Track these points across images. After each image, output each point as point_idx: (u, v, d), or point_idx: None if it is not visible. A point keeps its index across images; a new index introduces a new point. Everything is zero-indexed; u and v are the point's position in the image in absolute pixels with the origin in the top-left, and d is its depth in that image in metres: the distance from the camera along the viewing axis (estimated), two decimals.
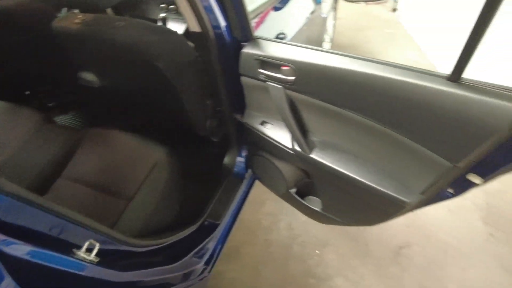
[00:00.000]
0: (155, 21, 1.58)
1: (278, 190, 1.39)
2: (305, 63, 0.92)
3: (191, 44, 1.23)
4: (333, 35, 3.20)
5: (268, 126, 1.19)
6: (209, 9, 1.01)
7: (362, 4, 4.75)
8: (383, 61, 0.82)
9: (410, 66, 0.78)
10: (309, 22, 2.09)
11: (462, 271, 1.62)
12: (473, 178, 0.80)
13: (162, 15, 1.56)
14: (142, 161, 1.22)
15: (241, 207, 1.47)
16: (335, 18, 3.04)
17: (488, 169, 0.76)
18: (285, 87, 0.99)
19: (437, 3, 3.37)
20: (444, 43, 3.19)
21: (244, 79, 1.13)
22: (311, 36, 2.27)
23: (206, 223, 1.29)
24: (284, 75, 0.97)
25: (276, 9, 1.78)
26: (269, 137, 1.18)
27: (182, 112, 1.24)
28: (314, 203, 1.27)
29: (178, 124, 1.48)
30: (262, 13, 1.48)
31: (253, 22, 1.43)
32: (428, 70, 0.76)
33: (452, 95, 0.69)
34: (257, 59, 1.03)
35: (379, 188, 0.93)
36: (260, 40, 1.08)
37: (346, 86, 0.86)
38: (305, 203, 1.27)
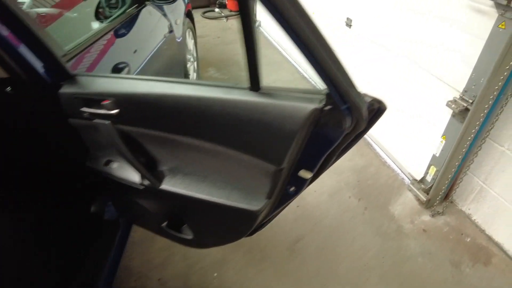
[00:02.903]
0: None
1: (151, 227, 1.30)
2: (125, 93, 0.87)
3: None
4: (196, 54, 3.23)
5: (114, 165, 1.09)
6: (15, 51, 0.88)
7: (223, 20, 4.96)
8: (196, 82, 0.82)
9: (219, 83, 0.80)
10: (163, 47, 2.05)
11: (348, 247, 1.77)
12: (304, 173, 0.85)
13: None
14: None
15: (120, 257, 1.33)
16: (193, 37, 3.08)
17: (312, 162, 0.82)
18: (113, 122, 0.92)
19: None
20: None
21: (72, 121, 1.01)
22: (170, 60, 2.24)
23: None
24: (107, 109, 0.89)
25: (120, 35, 1.69)
26: (117, 176, 1.08)
27: None
28: (187, 231, 1.22)
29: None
30: (91, 46, 1.37)
31: (91, 55, 1.32)
32: (234, 83, 0.78)
33: (256, 103, 0.72)
34: (77, 98, 0.93)
35: (229, 203, 0.93)
36: (79, 77, 0.98)
37: (166, 110, 0.83)
38: (177, 234, 1.21)
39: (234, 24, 4.82)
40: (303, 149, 0.77)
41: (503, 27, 1.32)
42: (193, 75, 3.04)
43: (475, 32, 1.50)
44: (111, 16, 1.81)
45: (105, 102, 0.88)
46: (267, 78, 3.19)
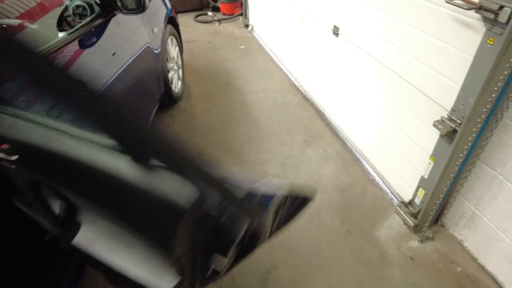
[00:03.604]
0: None
1: None
2: (17, 140, 0.74)
3: None
4: (182, 61, 3.11)
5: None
6: None
7: (216, 24, 4.84)
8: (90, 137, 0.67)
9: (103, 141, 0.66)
10: (137, 59, 1.93)
11: (326, 277, 1.63)
12: (218, 260, 0.73)
13: None
14: None
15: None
16: (178, 44, 2.96)
17: (222, 247, 0.70)
18: (19, 166, 0.79)
19: (270, 15, 3.61)
20: (285, 47, 3.40)
21: None
22: (144, 72, 2.12)
23: None
24: (7, 155, 0.76)
25: (84, 46, 1.57)
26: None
27: None
28: None
29: None
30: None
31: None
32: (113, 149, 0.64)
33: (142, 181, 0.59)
34: None
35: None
36: None
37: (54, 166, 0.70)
38: None
39: (226, 28, 4.70)
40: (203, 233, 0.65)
41: (491, 43, 1.18)
42: (177, 83, 2.92)
43: (462, 47, 1.36)
44: (74, 27, 1.69)
45: (4, 147, 0.75)
46: (256, 86, 3.07)
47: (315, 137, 2.53)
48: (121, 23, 1.87)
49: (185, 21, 4.89)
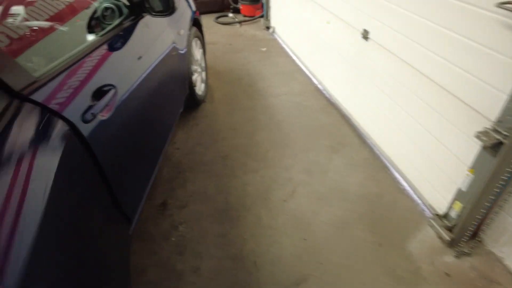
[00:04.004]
0: None
1: None
2: None
3: None
4: (205, 63, 3.09)
5: None
6: None
7: (237, 25, 4.81)
8: None
9: None
10: (164, 61, 1.90)
11: None
12: None
13: None
14: None
15: None
16: (202, 46, 2.93)
17: None
18: None
19: (293, 17, 3.55)
20: (308, 50, 3.34)
21: None
22: (171, 75, 2.09)
23: None
24: None
25: (113, 49, 1.56)
26: None
27: None
28: None
29: None
30: (77, 65, 1.23)
31: (77, 76, 1.15)
32: None
33: None
34: None
35: None
36: None
37: None
38: None
39: (247, 30, 4.67)
40: None
41: None
42: (200, 86, 2.89)
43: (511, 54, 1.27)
44: (104, 30, 1.68)
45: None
46: (279, 89, 3.02)
47: (341, 143, 2.46)
48: (149, 25, 1.85)
49: (206, 22, 4.87)
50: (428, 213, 1.91)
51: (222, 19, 5.04)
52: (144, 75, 1.65)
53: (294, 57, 3.76)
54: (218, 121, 2.79)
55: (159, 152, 1.86)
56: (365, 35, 2.22)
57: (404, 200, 2.01)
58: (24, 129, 0.87)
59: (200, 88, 2.88)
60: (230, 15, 5.13)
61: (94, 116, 1.11)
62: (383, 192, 2.06)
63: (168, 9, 1.69)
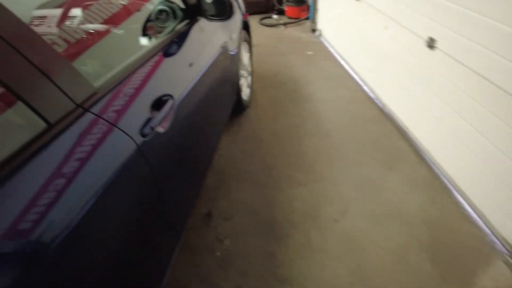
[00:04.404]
0: None
1: None
2: None
3: None
4: (251, 68, 3.00)
5: None
6: None
7: (281, 27, 4.70)
8: None
9: None
10: (214, 69, 1.83)
11: None
12: None
13: None
14: None
15: None
16: (249, 50, 2.85)
17: None
18: None
19: (343, 20, 3.37)
20: (359, 55, 3.15)
21: None
22: (222, 83, 2.02)
23: None
24: None
25: (169, 55, 1.50)
26: None
27: None
28: None
29: None
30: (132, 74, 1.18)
31: (132, 84, 1.11)
32: None
33: None
34: None
35: None
36: None
37: None
38: None
39: (292, 33, 4.54)
40: None
41: None
42: (246, 91, 2.81)
43: None
44: (160, 33, 1.63)
45: None
46: (326, 95, 2.87)
47: (397, 158, 2.27)
48: (203, 29, 1.78)
49: (250, 24, 4.80)
50: (500, 246, 1.70)
51: (266, 21, 4.95)
52: (196, 82, 1.58)
53: (342, 62, 3.58)
54: (262, 127, 2.69)
55: (208, 162, 1.80)
56: (431, 43, 2.03)
57: (470, 229, 1.81)
58: (84, 140, 0.82)
59: (245, 93, 2.80)
60: (275, 16, 5.03)
61: (152, 129, 1.05)
62: (445, 218, 1.86)
63: (225, 12, 1.61)
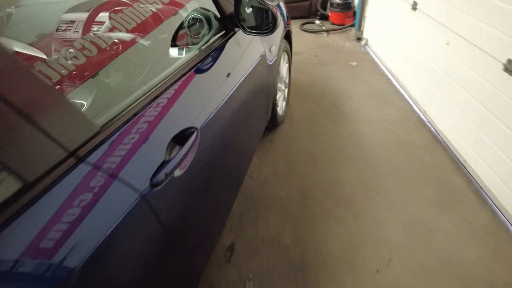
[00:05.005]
0: None
1: None
2: None
3: None
4: (289, 80, 2.77)
5: None
6: None
7: (324, 34, 4.42)
8: None
9: None
10: (249, 80, 1.63)
11: None
12: None
13: None
14: None
15: None
16: (288, 61, 2.62)
17: None
18: None
19: (394, 30, 3.03)
20: (411, 71, 2.82)
21: None
22: (256, 97, 1.81)
23: None
24: None
25: (196, 76, 1.31)
26: None
27: None
28: None
29: None
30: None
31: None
32: None
33: None
34: None
35: None
36: None
37: None
38: None
39: (334, 40, 4.25)
40: None
41: None
42: (282, 105, 2.59)
43: None
44: (190, 45, 1.45)
45: None
46: (370, 115, 2.58)
47: (452, 198, 1.95)
48: (240, 42, 1.58)
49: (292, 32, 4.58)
50: None
51: (307, 26, 4.69)
52: (225, 104, 1.37)
53: (390, 77, 3.26)
54: (297, 147, 2.45)
55: (236, 193, 1.60)
56: (511, 68, 1.69)
57: None
58: (73, 200, 0.64)
59: (281, 108, 2.58)
60: (317, 22, 4.76)
61: (167, 176, 0.85)
62: None
63: (268, 28, 1.39)
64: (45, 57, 0.95)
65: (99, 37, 1.17)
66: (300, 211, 1.94)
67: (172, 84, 1.08)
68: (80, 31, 1.32)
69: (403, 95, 2.96)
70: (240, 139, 1.57)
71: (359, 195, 2.01)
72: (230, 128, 1.36)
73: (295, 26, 4.71)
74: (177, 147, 0.93)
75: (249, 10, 1.44)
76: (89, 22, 1.35)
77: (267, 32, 1.42)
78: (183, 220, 1.01)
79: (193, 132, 1.01)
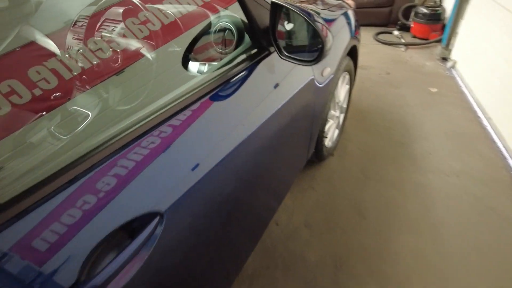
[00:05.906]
0: None
1: None
2: None
3: None
4: (347, 105, 2.28)
5: None
6: None
7: (402, 48, 3.78)
8: None
9: None
10: (292, 102, 1.22)
11: None
12: None
13: None
14: None
15: None
16: (349, 82, 2.13)
17: None
18: None
19: (495, 53, 2.33)
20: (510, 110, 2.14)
21: None
22: (298, 119, 1.38)
23: None
24: None
25: (220, 97, 0.95)
26: None
27: None
28: None
29: None
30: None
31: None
32: None
33: None
34: None
35: None
36: None
37: None
38: None
39: (413, 57, 3.59)
40: None
41: None
42: (332, 134, 2.13)
43: None
44: (212, 62, 1.10)
45: None
46: (445, 163, 1.94)
47: None
48: (277, 66, 1.16)
49: (363, 36, 3.99)
50: None
51: (383, 37, 4.07)
52: (255, 134, 0.99)
53: (480, 114, 2.57)
54: (342, 192, 1.97)
55: (254, 244, 1.28)
56: None
57: None
58: None
59: (331, 138, 2.11)
60: (396, 33, 4.10)
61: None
62: None
63: (313, 56, 0.97)
64: (58, 52, 0.84)
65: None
66: (329, 284, 1.49)
67: (175, 113, 0.78)
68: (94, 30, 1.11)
69: (495, 142, 2.29)
70: (270, 177, 1.22)
71: (415, 276, 1.49)
72: (257, 163, 1.01)
73: (368, 34, 4.11)
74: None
75: (289, 26, 1.02)
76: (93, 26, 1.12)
77: (311, 61, 1.00)
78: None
79: (155, 219, 0.65)
